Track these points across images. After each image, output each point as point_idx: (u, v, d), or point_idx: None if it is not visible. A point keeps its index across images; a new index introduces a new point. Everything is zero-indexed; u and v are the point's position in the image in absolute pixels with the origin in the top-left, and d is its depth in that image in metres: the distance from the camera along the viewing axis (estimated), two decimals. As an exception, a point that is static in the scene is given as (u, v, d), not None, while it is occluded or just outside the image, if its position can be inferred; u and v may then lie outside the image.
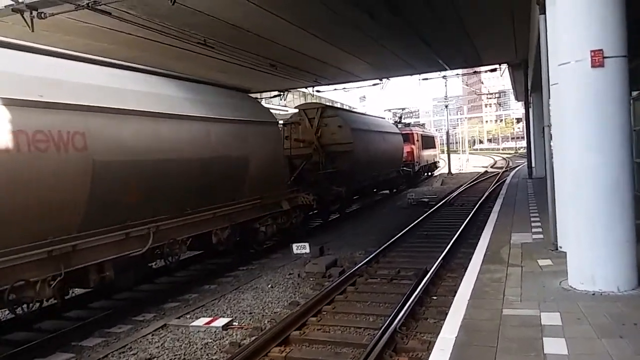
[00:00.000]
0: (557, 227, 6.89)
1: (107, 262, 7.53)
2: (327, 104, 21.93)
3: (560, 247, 6.81)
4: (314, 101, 26.80)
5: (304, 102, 29.69)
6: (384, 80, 21.58)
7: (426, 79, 21.80)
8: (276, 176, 12.76)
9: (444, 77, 21.49)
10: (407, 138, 28.51)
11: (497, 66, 20.78)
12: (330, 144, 17.32)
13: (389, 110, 34.98)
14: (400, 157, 25.54)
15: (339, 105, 36.27)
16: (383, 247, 11.92)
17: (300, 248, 10.72)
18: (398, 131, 26.65)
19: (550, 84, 7.21)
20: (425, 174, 34.74)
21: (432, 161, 36.74)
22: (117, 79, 8.43)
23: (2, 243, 6.02)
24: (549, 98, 7.07)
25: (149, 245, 8.16)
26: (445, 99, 41.99)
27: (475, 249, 7.80)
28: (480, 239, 8.40)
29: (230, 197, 10.63)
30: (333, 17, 12.19)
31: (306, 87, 22.92)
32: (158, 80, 9.69)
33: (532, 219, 10.19)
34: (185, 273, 10.96)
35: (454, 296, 5.58)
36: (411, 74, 21.18)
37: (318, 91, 23.45)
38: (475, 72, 22.76)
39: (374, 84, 22.07)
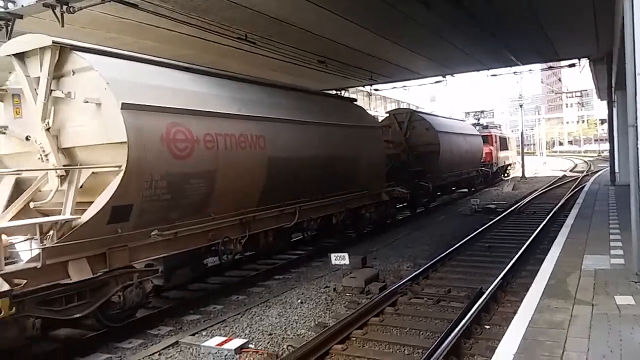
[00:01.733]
0: None
1: (270, 230, 10.22)
2: (414, 109, 23.83)
3: None
4: (398, 107, 31.49)
5: (366, 102, 29.39)
6: (447, 77, 20.06)
7: (495, 75, 20.06)
8: (378, 172, 14.98)
9: (515, 73, 19.67)
10: (486, 140, 30.10)
11: (576, 61, 18.64)
12: (417, 145, 19.59)
13: (467, 113, 38.16)
14: (479, 157, 27.68)
15: (405, 106, 38.79)
16: (435, 259, 10.72)
17: (339, 259, 9.73)
18: (478, 133, 28.52)
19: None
20: (502, 174, 35.85)
21: (509, 162, 37.43)
22: (266, 94, 10.69)
23: (219, 210, 8.72)
24: (636, 93, 5.64)
25: (295, 220, 10.84)
26: (520, 97, 39.23)
27: (536, 274, 6.45)
28: (545, 260, 6.98)
29: (346, 188, 12.94)
30: (383, 6, 11.12)
31: (363, 86, 21.82)
32: (290, 94, 11.89)
33: (612, 238, 8.57)
34: (218, 279, 10.35)
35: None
36: (478, 70, 19.51)
37: (376, 90, 22.29)
38: (551, 68, 20.59)
39: (437, 82, 20.64)
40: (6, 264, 5.88)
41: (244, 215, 9.29)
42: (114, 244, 6.91)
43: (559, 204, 18.64)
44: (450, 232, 14.67)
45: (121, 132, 6.77)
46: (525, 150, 77.71)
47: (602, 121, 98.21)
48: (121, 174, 6.74)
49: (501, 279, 8.76)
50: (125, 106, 6.82)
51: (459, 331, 6.41)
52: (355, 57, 15.49)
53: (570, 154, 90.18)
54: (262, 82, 11.33)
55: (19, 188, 7.41)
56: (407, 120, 19.93)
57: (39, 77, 7.12)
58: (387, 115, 20.87)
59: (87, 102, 6.82)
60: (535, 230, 13.29)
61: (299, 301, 8.43)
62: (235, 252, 9.15)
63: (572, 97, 47.14)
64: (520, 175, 36.67)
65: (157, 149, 7.27)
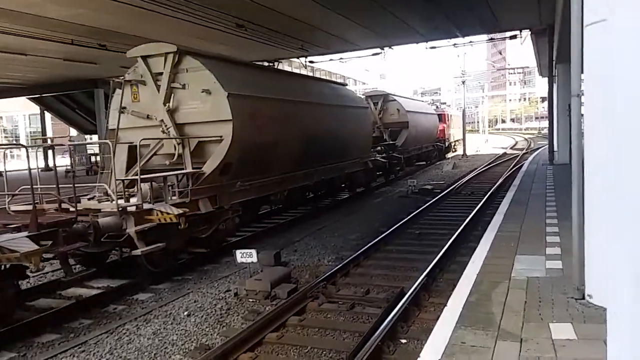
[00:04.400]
0: (587, 257, 4.26)
1: (299, 187, 13.49)
2: (388, 92, 26.27)
3: (590, 297, 4.18)
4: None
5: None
6: (386, 49, 18.76)
7: (434, 47, 18.91)
8: (366, 145, 17.97)
9: (454, 45, 18.62)
10: (440, 118, 33.72)
11: (517, 33, 17.72)
12: (390, 122, 24.00)
13: (416, 91, 40.50)
14: (435, 134, 31.76)
15: (349, 81, 42.32)
16: (359, 251, 9.49)
17: (246, 256, 8.29)
18: (435, 112, 32.97)
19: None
20: (452, 149, 39.14)
21: (456, 139, 39.82)
22: (299, 84, 14.15)
23: (275, 171, 11.59)
24: (581, 57, 4.41)
25: (315, 180, 13.85)
26: (463, 73, 38.63)
27: (456, 283, 5.22)
28: (470, 263, 5.76)
29: (345, 157, 15.62)
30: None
31: (297, 57, 20.20)
32: (311, 82, 15.57)
33: (549, 230, 7.40)
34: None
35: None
36: (417, 42, 18.35)
37: (311, 62, 20.75)
38: (492, 40, 19.76)
39: (374, 54, 19.30)
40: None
41: (284, 175, 12.20)
42: (221, 189, 9.91)
43: (497, 184, 17.94)
44: (382, 217, 13.54)
45: (227, 112, 9.60)
46: (469, 128, 78.73)
47: (543, 99, 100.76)
48: (229, 142, 9.62)
49: (426, 275, 7.64)
50: (230, 95, 9.60)
51: (370, 346, 5.20)
52: (281, 23, 13.90)
53: (512, 132, 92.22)
54: (298, 74, 17.24)
55: (131, 152, 9.72)
56: (380, 102, 24.05)
57: (161, 73, 9.79)
58: (364, 97, 23.88)
59: (203, 91, 9.56)
60: (470, 214, 12.35)
61: (186, 313, 6.94)
62: (279, 202, 13.51)
63: (515, 73, 47.18)
64: (462, 153, 36.31)
65: (248, 124, 10.18)
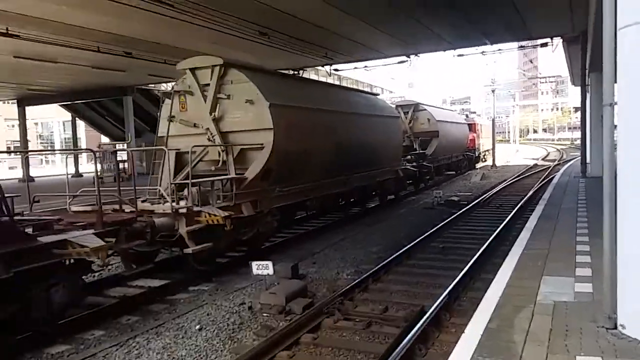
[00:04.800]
0: (620, 281, 3.87)
1: (333, 194, 13.61)
2: (418, 102, 26.28)
3: (623, 327, 3.75)
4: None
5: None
6: (412, 56, 18.43)
7: (462, 55, 18.48)
8: (397, 154, 18.28)
9: (482, 53, 18.16)
10: (470, 127, 33.73)
11: (548, 40, 17.15)
12: (420, 132, 24.36)
13: (444, 100, 40.91)
14: (466, 143, 31.94)
15: (377, 90, 41.93)
16: (379, 265, 9.18)
17: (261, 268, 8.09)
18: (465, 122, 32.95)
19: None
20: (482, 159, 38.87)
21: (486, 149, 39.50)
22: (334, 94, 14.59)
23: (308, 178, 11.94)
24: (614, 63, 4.08)
25: (347, 188, 14.18)
26: (493, 82, 37.86)
27: (479, 303, 4.88)
28: (492, 283, 5.38)
29: (376, 165, 15.92)
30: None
31: (322, 66, 20.05)
32: (346, 92, 16.28)
33: (579, 249, 6.90)
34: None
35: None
36: (444, 50, 17.94)
37: (336, 70, 20.57)
38: (522, 47, 19.23)
39: (400, 62, 18.98)
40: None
41: (319, 182, 12.59)
42: (261, 194, 10.43)
43: (526, 197, 17.33)
44: (405, 229, 13.18)
45: (269, 121, 10.18)
46: (499, 138, 77.22)
47: (576, 109, 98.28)
48: (270, 149, 10.16)
49: (448, 293, 7.29)
50: (271, 105, 10.18)
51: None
52: (304, 30, 13.75)
53: (543, 142, 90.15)
54: (332, 84, 16.88)
55: (178, 158, 10.50)
56: (411, 111, 24.46)
57: (208, 84, 10.44)
58: (394, 106, 23.23)
59: (246, 101, 10.16)
60: (497, 227, 11.90)
61: (198, 327, 6.76)
62: (313, 208, 13.69)
63: (546, 82, 46.03)
64: (491, 164, 35.48)
65: (287, 133, 10.60)
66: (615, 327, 3.88)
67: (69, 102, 29.32)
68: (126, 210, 8.38)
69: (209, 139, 10.48)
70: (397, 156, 18.14)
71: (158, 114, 11.20)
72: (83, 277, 7.48)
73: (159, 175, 10.27)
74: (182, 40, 13.34)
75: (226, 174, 10.05)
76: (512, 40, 17.42)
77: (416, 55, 18.30)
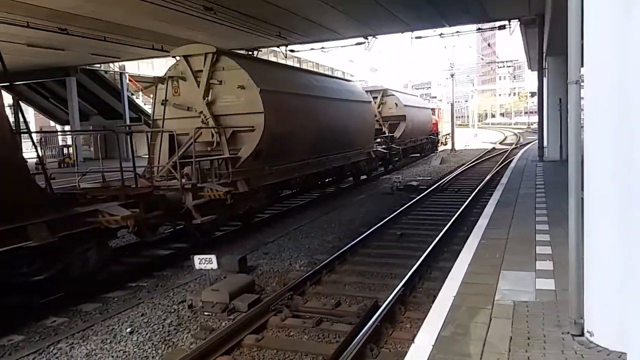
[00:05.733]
0: (587, 281, 3.39)
1: (314, 173, 14.40)
2: (386, 88, 27.06)
3: (591, 334, 3.29)
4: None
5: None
6: (370, 38, 17.89)
7: (420, 37, 18.06)
8: (370, 136, 19.21)
9: (441, 35, 17.79)
10: (433, 112, 35.05)
11: (506, 23, 16.92)
12: (388, 116, 25.43)
13: (412, 87, 41.38)
14: (429, 127, 32.95)
15: (339, 74, 42.88)
16: (335, 255, 8.70)
17: (205, 262, 7.47)
18: (429, 107, 34.73)
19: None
20: (441, 142, 39.66)
21: (446, 132, 40.26)
22: (315, 80, 15.27)
23: (294, 158, 12.85)
24: (581, 34, 3.60)
25: (326, 168, 15.03)
26: (451, 67, 37.84)
27: (436, 295, 4.42)
28: (447, 280, 4.93)
29: (351, 147, 16.73)
30: None
31: (277, 46, 19.27)
32: (326, 79, 16.84)
33: (539, 239, 6.51)
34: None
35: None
36: (402, 31, 17.51)
37: (292, 51, 19.82)
38: (479, 30, 18.92)
39: (357, 43, 18.43)
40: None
41: (302, 162, 13.29)
42: (253, 173, 11.07)
43: (484, 181, 17.25)
44: (363, 216, 12.77)
45: (259, 105, 10.92)
46: (459, 123, 78.07)
47: (533, 94, 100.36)
48: (261, 131, 10.93)
49: (403, 285, 6.88)
50: (261, 90, 10.93)
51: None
52: (253, 6, 12.96)
53: (501, 126, 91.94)
54: (313, 71, 18.31)
55: (172, 140, 10.56)
56: (379, 96, 25.31)
57: (200, 70, 11.09)
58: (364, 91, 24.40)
59: (238, 87, 10.86)
60: (455, 213, 11.63)
61: (129, 330, 6.11)
62: (296, 186, 14.22)
63: (504, 67, 46.44)
64: (450, 148, 35.62)
65: (275, 116, 11.31)
66: (582, 334, 3.43)
67: (7, 84, 27.40)
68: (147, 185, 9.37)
69: (202, 122, 11.18)
70: (369, 139, 19.11)
71: (153, 98, 11.98)
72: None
73: (155, 155, 11.04)
74: (122, 16, 12.36)
75: (220, 154, 10.89)
76: (470, 22, 17.11)
77: (374, 36, 17.77)
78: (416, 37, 17.88)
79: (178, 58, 11.35)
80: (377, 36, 17.86)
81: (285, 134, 11.99)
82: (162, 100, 11.24)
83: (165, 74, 11.62)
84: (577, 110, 3.48)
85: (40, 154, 8.02)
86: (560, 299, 4.10)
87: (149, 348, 5.61)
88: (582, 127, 3.53)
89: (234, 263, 8.11)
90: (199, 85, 11.14)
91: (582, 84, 3.43)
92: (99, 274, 7.88)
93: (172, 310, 6.75)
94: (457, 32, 17.70)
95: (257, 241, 10.61)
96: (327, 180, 16.80)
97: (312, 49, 20.49)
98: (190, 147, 10.47)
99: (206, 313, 6.60)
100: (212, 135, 11.08)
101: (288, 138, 12.21)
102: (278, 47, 19.24)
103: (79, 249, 7.23)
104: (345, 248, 9.14)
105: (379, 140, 22.09)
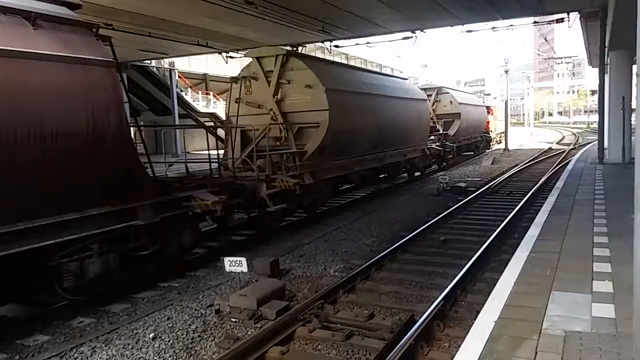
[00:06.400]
0: None
1: (372, 168, 15.06)
2: (441, 85, 27.68)
3: None
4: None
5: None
6: (417, 32, 17.19)
7: (470, 31, 17.19)
8: (425, 134, 19.77)
9: (493, 29, 16.84)
10: (487, 110, 34.56)
11: (564, 16, 15.81)
12: (443, 114, 25.32)
13: (466, 83, 41.60)
14: (483, 125, 32.76)
15: (388, 70, 42.96)
16: (372, 260, 8.26)
17: (235, 264, 7.21)
18: (483, 104, 34.25)
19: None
20: (497, 141, 39.18)
21: (501, 131, 39.33)
22: (374, 79, 16.12)
23: (355, 152, 13.60)
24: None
25: (383, 163, 15.58)
26: (506, 63, 36.27)
27: (479, 309, 3.89)
28: (489, 299, 4.36)
29: (407, 144, 17.25)
30: None
31: (322, 42, 18.87)
32: (385, 78, 17.90)
33: (597, 253, 5.73)
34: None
35: None
36: (452, 25, 16.66)
37: (337, 46, 19.40)
38: (535, 23, 17.80)
39: (405, 38, 17.75)
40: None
41: (361, 157, 13.96)
42: (318, 166, 11.74)
43: (539, 183, 16.25)
44: (405, 218, 12.23)
45: (325, 103, 11.67)
46: (514, 121, 75.23)
47: (593, 92, 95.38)
48: (325, 127, 11.66)
49: (444, 297, 6.36)
50: (327, 89, 11.71)
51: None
52: (296, 0, 12.60)
53: (559, 125, 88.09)
54: (372, 70, 20.04)
55: (243, 135, 11.93)
56: (434, 94, 25.47)
57: (271, 71, 11.95)
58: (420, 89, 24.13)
59: (305, 86, 11.63)
60: (506, 218, 10.91)
61: (152, 335, 5.90)
62: (355, 180, 14.84)
63: (562, 63, 44.13)
64: (503, 147, 34.15)
65: (338, 113, 12.01)
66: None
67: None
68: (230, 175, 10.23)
69: (272, 118, 11.96)
70: (424, 136, 19.60)
71: (227, 96, 13.04)
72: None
73: (229, 148, 11.51)
74: (164, 11, 12.35)
75: (288, 149, 11.64)
76: (525, 15, 16.07)
77: (422, 30, 17.01)
78: (467, 31, 17.03)
79: (251, 59, 12.39)
80: (424, 30, 17.11)
81: (347, 130, 12.67)
82: (236, 99, 12.04)
83: (239, 74, 12.52)
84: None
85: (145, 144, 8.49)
86: (621, 331, 3.48)
87: (170, 356, 5.37)
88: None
89: (266, 266, 7.83)
90: (269, 85, 12.00)
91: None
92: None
93: (199, 315, 6.52)
94: (511, 25, 16.72)
95: (294, 242, 10.32)
96: (383, 175, 17.39)
97: (357, 44, 19.94)
98: (262, 140, 11.28)
99: (233, 319, 6.32)
100: (280, 130, 11.93)
101: (349, 134, 12.85)
102: (323, 42, 18.83)
103: (176, 229, 8.02)
104: (383, 253, 8.69)
105: (433, 137, 22.20)
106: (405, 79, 20.57)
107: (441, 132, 24.07)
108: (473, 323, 4.08)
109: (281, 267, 8.29)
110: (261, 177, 10.24)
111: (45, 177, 5.95)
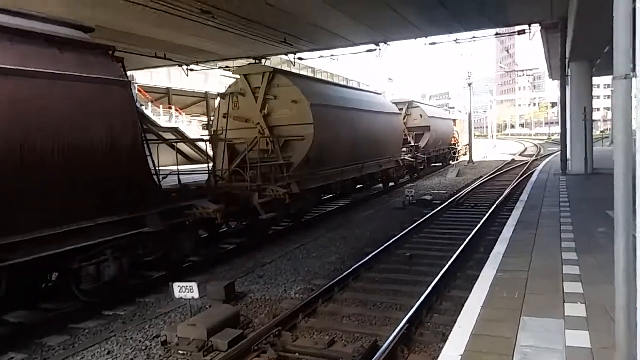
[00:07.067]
0: None
1: (351, 179, 15.99)
2: (412, 99, 28.79)
3: None
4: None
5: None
6: (382, 45, 17.05)
7: (434, 43, 17.16)
8: (398, 146, 20.61)
9: (456, 41, 16.82)
10: (454, 123, 35.57)
11: (526, 28, 15.93)
12: (414, 127, 26.35)
13: (431, 97, 42.12)
14: (450, 138, 33.74)
15: (354, 84, 44.48)
16: (335, 280, 7.83)
17: (185, 290, 6.65)
18: (451, 118, 35.16)
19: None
20: (460, 153, 39.98)
21: (465, 143, 40.37)
22: (349, 94, 16.80)
23: (335, 164, 14.09)
24: (635, 22, 2.71)
25: (361, 174, 16.35)
26: (469, 76, 36.72)
27: (446, 332, 3.50)
28: (455, 327, 3.94)
29: (382, 155, 17.88)
30: None
31: (285, 54, 18.54)
32: (359, 93, 18.59)
33: (567, 271, 5.40)
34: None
35: None
36: (415, 37, 16.59)
37: (300, 59, 19.07)
38: (497, 35, 17.84)
39: (368, 50, 17.59)
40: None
41: (342, 168, 14.51)
42: (303, 177, 12.45)
43: (503, 195, 16.20)
44: (370, 234, 11.87)
45: (310, 118, 12.39)
46: (478, 134, 76.44)
47: (553, 104, 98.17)
48: (311, 140, 12.36)
49: (409, 320, 5.98)
50: (312, 105, 12.48)
51: None
52: (254, 10, 12.23)
53: (521, 137, 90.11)
54: (350, 86, 21.74)
55: (230, 148, 12.33)
56: (405, 108, 26.43)
57: (258, 87, 12.68)
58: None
59: (292, 101, 12.39)
60: (471, 232, 10.68)
61: (85, 373, 5.31)
62: (336, 190, 15.68)
63: (524, 75, 45.07)
64: (468, 160, 34.42)
65: (322, 127, 12.73)
66: None
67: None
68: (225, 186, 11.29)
69: (260, 132, 12.56)
70: (398, 148, 20.56)
71: (215, 111, 13.81)
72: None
73: (218, 161, 12.16)
74: (118, 22, 11.78)
75: (275, 161, 12.16)
76: (488, 27, 16.12)
77: (385, 43, 16.90)
78: (430, 44, 16.97)
79: (238, 76, 13.11)
80: (389, 43, 16.97)
81: (330, 142, 13.40)
82: (224, 114, 12.64)
83: (227, 91, 13.26)
84: (627, 112, 2.58)
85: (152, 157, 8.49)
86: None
87: (103, 399, 4.78)
88: (635, 133, 2.63)
89: (221, 290, 7.30)
90: (257, 100, 12.63)
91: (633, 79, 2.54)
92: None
93: (144, 348, 5.94)
94: (474, 37, 16.67)
95: (254, 262, 9.80)
96: (360, 186, 18.35)
97: (321, 56, 19.73)
98: (250, 153, 11.94)
99: (181, 352, 5.76)
100: (267, 143, 12.50)
101: (332, 146, 13.56)
102: (286, 55, 18.50)
103: (179, 236, 8.63)
104: (347, 272, 8.27)
105: (405, 149, 23.09)
106: (379, 94, 21.58)
107: (413, 144, 24.90)
108: (440, 349, 3.69)
109: (238, 291, 7.78)
110: (253, 187, 10.84)
111: (69, 188, 6.54)
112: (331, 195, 17.08)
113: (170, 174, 10.63)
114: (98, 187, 6.89)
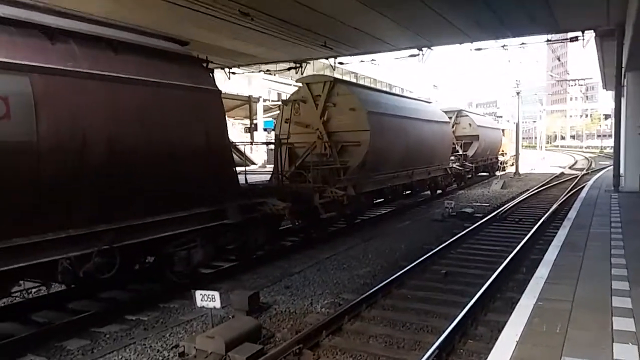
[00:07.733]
0: None
1: (401, 184, 16.71)
2: (461, 108, 29.13)
3: None
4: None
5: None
6: (425, 49, 16.55)
7: (479, 49, 16.54)
8: (447, 154, 20.94)
9: (504, 47, 16.10)
10: (502, 133, 35.36)
11: (579, 34, 15.08)
12: (462, 135, 26.49)
13: (476, 104, 43.12)
14: (498, 147, 33.45)
15: (397, 90, 44.52)
16: (363, 296, 7.47)
17: (207, 299, 6.46)
18: (499, 127, 35.05)
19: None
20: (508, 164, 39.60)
21: (513, 153, 38.67)
22: (405, 102, 17.57)
23: (387, 169, 14.87)
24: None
25: (411, 180, 16.83)
26: (517, 84, 35.45)
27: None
28: None
29: (431, 163, 18.41)
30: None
31: (326, 58, 18.29)
32: (412, 101, 19.07)
33: (617, 304, 4.81)
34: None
35: None
36: (460, 42, 15.97)
37: (341, 63, 18.80)
38: (548, 41, 16.98)
39: (411, 55, 17.11)
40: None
41: (394, 173, 15.19)
42: (358, 180, 13.17)
43: (550, 211, 15.35)
44: (405, 246, 11.42)
45: (366, 124, 13.10)
46: (526, 144, 74.05)
47: (607, 116, 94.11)
48: (367, 145, 13.08)
49: (439, 346, 5.55)
50: (369, 112, 13.23)
51: None
52: (294, 13, 12.01)
53: (571, 149, 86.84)
54: (402, 95, 21.88)
55: (290, 151, 13.39)
56: (454, 116, 26.56)
57: (319, 95, 13.55)
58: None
59: (350, 109, 13.16)
60: (513, 250, 10.06)
61: (100, 383, 5.16)
62: (388, 195, 16.85)
63: (576, 85, 43.17)
64: (514, 171, 33.18)
65: (378, 133, 13.41)
66: None
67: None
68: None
69: (318, 137, 13.46)
70: (446, 156, 20.83)
71: (278, 117, 14.72)
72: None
73: (278, 163, 12.57)
74: (155, 23, 11.79)
75: (333, 164, 13.02)
76: (538, 33, 15.33)
77: (429, 48, 16.39)
78: (476, 49, 16.37)
79: (301, 84, 14.01)
80: (432, 47, 16.46)
81: (384, 148, 14.05)
82: (286, 119, 13.51)
83: (289, 98, 14.30)
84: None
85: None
86: None
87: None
88: None
89: (244, 300, 7.05)
90: (317, 107, 13.49)
91: None
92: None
93: (161, 358, 5.76)
94: (523, 43, 15.94)
95: (282, 271, 9.55)
96: (409, 192, 19.15)
97: (362, 61, 19.40)
98: (308, 156, 13.34)
99: (197, 365, 5.55)
100: (325, 148, 13.41)
101: (385, 152, 14.26)
102: (327, 58, 18.27)
103: (253, 229, 9.44)
104: (377, 287, 7.89)
105: (453, 158, 23.17)
106: (429, 102, 21.85)
107: (461, 152, 25.03)
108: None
109: (263, 301, 7.53)
110: (315, 188, 11.62)
111: (174, 182, 7.53)
112: (381, 200, 17.75)
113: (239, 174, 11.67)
114: (196, 182, 7.90)
